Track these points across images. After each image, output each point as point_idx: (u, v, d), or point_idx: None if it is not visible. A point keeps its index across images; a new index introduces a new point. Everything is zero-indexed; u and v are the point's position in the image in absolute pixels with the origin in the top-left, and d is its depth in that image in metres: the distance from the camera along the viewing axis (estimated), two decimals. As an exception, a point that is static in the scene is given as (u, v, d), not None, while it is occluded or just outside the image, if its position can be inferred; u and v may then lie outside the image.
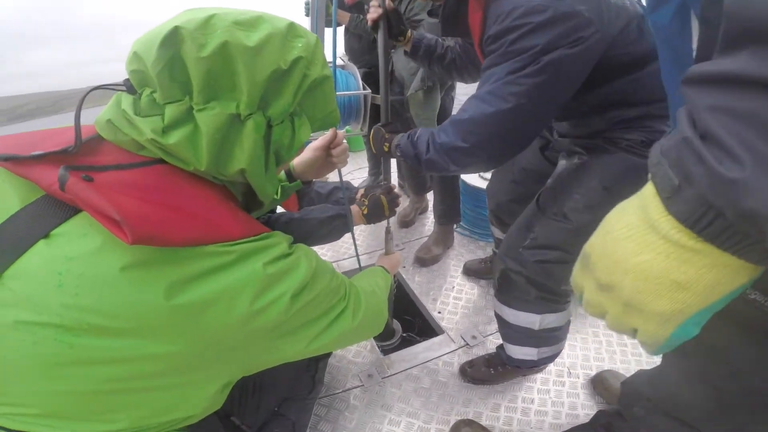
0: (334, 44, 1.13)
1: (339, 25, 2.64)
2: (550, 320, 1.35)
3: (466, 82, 1.76)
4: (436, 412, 1.50)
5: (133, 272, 0.56)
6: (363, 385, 1.60)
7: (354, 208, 1.48)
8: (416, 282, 2.25)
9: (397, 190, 3.19)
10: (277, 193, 1.25)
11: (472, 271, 2.20)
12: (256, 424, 1.07)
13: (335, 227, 1.47)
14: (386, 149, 1.43)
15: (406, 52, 1.77)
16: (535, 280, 1.24)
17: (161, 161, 0.66)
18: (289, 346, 0.75)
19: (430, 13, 1.44)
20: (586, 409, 1.50)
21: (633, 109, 1.15)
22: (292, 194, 1.33)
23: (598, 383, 1.57)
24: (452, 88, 2.21)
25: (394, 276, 2.28)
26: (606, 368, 1.67)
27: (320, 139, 1.24)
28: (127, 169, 0.63)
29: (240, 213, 0.72)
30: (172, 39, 0.60)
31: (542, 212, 1.25)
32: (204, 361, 0.63)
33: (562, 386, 1.60)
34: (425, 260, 2.36)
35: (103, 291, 0.55)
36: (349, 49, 2.70)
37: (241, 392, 1.02)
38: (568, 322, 1.45)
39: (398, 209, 2.80)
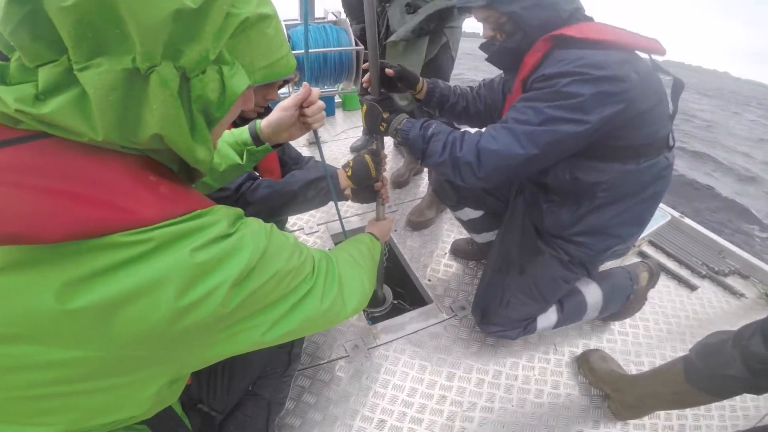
0: None
1: None
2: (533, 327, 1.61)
3: (471, 127, 1.74)
4: (420, 385, 1.54)
5: (11, 276, 0.49)
6: (348, 356, 1.63)
7: (339, 170, 1.44)
8: (407, 246, 2.25)
9: (391, 149, 3.17)
10: (242, 158, 1.17)
11: (460, 252, 2.20)
12: (228, 407, 1.06)
13: (321, 190, 1.44)
14: (382, 129, 1.43)
15: (408, 8, 1.72)
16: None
17: (45, 135, 0.54)
18: (239, 337, 0.65)
19: (483, 47, 1.47)
20: (567, 388, 1.55)
21: (606, 211, 1.37)
22: (262, 159, 1.23)
23: (583, 363, 1.61)
24: (448, 46, 2.09)
25: (387, 241, 2.29)
26: (592, 347, 1.71)
27: (291, 98, 1.11)
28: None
29: (163, 187, 0.60)
30: None
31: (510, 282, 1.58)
32: (132, 364, 0.56)
33: (547, 363, 1.65)
34: (417, 224, 2.35)
35: None
36: (346, 3, 2.53)
37: (210, 376, 0.99)
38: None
39: (393, 170, 2.78)
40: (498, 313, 1.57)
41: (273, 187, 1.44)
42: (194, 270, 0.55)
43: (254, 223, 0.69)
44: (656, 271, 1.78)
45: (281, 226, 2.27)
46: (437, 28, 1.97)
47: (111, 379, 0.56)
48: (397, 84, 1.54)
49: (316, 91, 1.11)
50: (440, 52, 2.06)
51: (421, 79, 1.64)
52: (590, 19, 1.31)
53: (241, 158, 1.17)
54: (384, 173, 1.48)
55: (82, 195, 0.51)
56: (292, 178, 1.48)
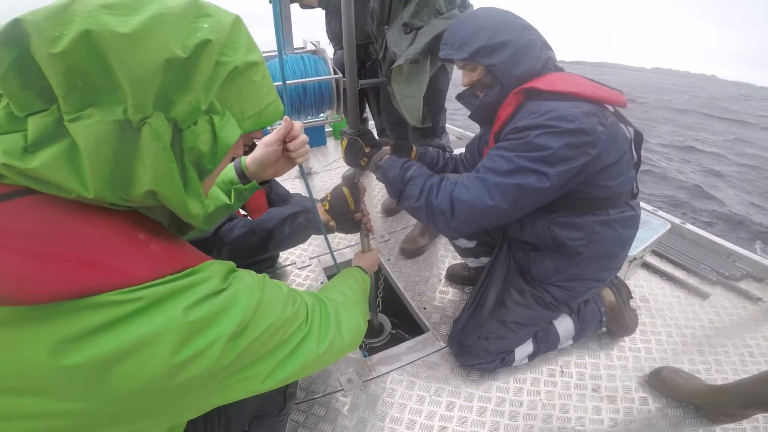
0: (278, 27, 0.99)
1: (309, 7, 2.52)
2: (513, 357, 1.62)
3: None
4: (419, 417, 1.46)
5: (2, 332, 0.48)
6: (343, 390, 1.56)
7: (318, 204, 1.42)
8: (402, 274, 2.20)
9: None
10: (230, 198, 1.16)
11: (455, 277, 2.15)
12: None
13: (298, 225, 1.41)
14: (363, 163, 1.47)
15: (405, 28, 1.79)
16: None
17: (30, 191, 0.53)
18: (237, 387, 0.65)
19: (459, 96, 1.58)
20: (578, 411, 1.46)
21: (582, 261, 1.43)
22: (249, 197, 1.21)
23: (658, 382, 1.54)
24: (445, 69, 2.08)
25: (380, 270, 2.24)
26: (603, 364, 1.64)
27: (273, 133, 1.10)
28: None
29: (153, 245, 0.59)
30: (12, 35, 0.48)
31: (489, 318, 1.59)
32: (128, 416, 0.55)
33: (554, 386, 1.56)
34: (411, 251, 2.30)
35: None
36: (330, 31, 2.57)
37: (206, 420, 0.96)
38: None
39: (384, 198, 2.76)
40: (477, 345, 1.57)
41: (248, 226, 1.42)
42: (188, 328, 0.54)
43: (247, 277, 0.68)
44: (615, 281, 1.78)
45: (272, 262, 2.24)
46: (435, 50, 1.97)
47: (110, 429, 0.55)
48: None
49: (298, 124, 1.10)
50: (438, 74, 2.05)
51: (413, 147, 1.74)
52: (561, 69, 1.39)
53: (229, 198, 1.16)
54: (363, 204, 1.46)
55: (68, 256, 0.50)
56: (269, 215, 1.47)
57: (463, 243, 1.89)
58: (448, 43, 1.39)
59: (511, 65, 1.30)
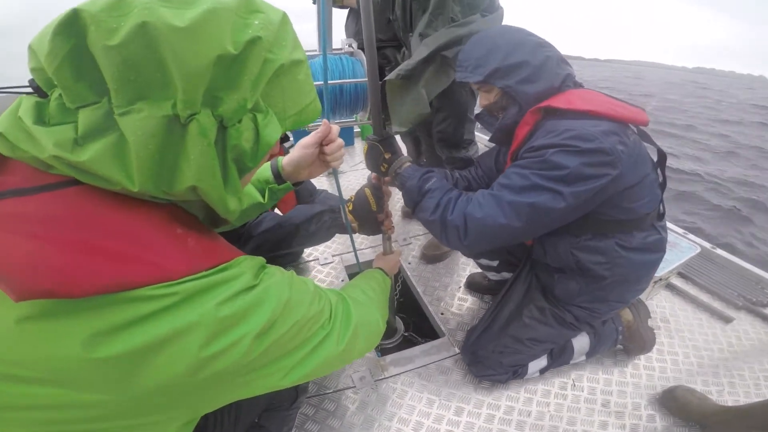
0: (323, 28, 1.04)
1: (345, 6, 2.59)
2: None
3: None
4: (427, 420, 1.51)
5: (34, 325, 0.49)
6: (355, 387, 1.62)
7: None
8: (421, 278, 2.25)
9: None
10: (264, 197, 1.19)
11: (475, 286, 2.18)
12: None
13: (323, 224, 1.47)
14: (383, 169, 1.47)
15: (420, 38, 1.78)
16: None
17: (76, 182, 0.54)
18: (258, 383, 0.66)
19: (478, 117, 1.61)
20: (585, 425, 1.48)
21: (603, 283, 1.41)
22: (282, 197, 1.24)
23: (670, 401, 1.55)
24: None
25: (399, 273, 2.29)
26: (616, 380, 1.66)
27: (311, 135, 1.12)
28: (30, 194, 0.52)
29: (190, 240, 0.61)
30: (70, 26, 0.49)
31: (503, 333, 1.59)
32: (152, 408, 0.56)
33: (564, 399, 1.58)
34: (432, 257, 2.35)
35: (3, 344, 0.49)
36: (356, 33, 2.64)
37: (217, 411, 1.00)
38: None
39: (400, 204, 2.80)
40: (490, 358, 1.59)
41: (276, 220, 1.49)
42: (219, 323, 0.56)
43: (277, 273, 0.69)
44: (634, 301, 1.76)
45: (295, 257, 2.32)
46: (445, 59, 1.90)
47: (129, 420, 0.56)
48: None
49: (335, 128, 1.12)
50: (458, 85, 1.96)
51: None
52: (580, 86, 1.38)
53: (263, 196, 1.19)
54: (387, 206, 1.51)
55: (112, 250, 0.52)
56: (296, 211, 1.54)
57: (485, 262, 1.91)
58: (462, 65, 1.40)
59: (528, 85, 1.29)
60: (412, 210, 1.44)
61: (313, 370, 0.74)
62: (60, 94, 0.52)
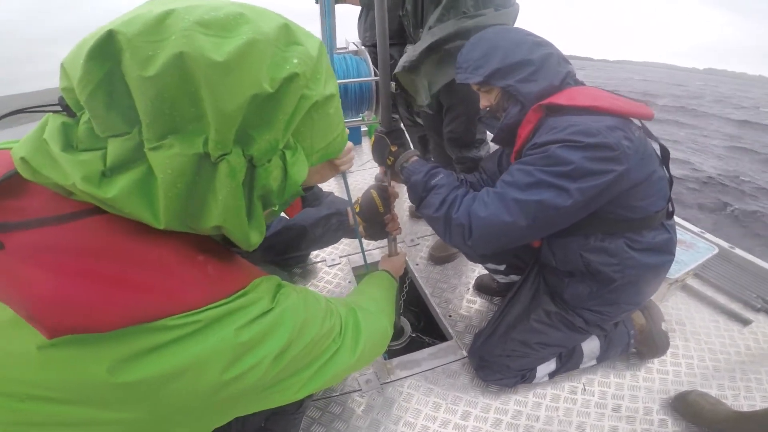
0: (328, 28, 1.04)
1: (346, 2, 2.59)
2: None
3: None
4: (433, 424, 1.50)
5: (58, 352, 0.49)
6: (361, 390, 1.62)
7: (348, 208, 1.48)
8: (429, 280, 2.25)
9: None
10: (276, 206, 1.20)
11: (484, 288, 2.17)
12: None
13: (330, 227, 1.48)
14: (389, 162, 1.48)
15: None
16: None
17: (98, 210, 0.53)
18: (272, 398, 0.68)
19: (480, 119, 1.59)
20: (595, 430, 1.46)
21: (612, 285, 1.39)
22: (291, 203, 1.26)
23: (684, 406, 1.52)
24: None
25: (407, 274, 2.29)
26: (628, 384, 1.64)
27: None
28: (54, 224, 0.52)
29: (210, 267, 0.60)
30: (105, 49, 0.47)
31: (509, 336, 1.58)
32: (174, 423, 0.57)
33: (573, 404, 1.57)
34: (440, 258, 2.35)
35: (27, 368, 0.49)
36: (364, 30, 2.64)
37: None
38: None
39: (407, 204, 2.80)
40: (497, 362, 1.58)
41: (282, 223, 1.50)
42: (239, 348, 0.57)
43: (292, 295, 0.70)
44: (647, 303, 1.75)
45: (303, 258, 2.33)
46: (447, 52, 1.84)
47: None
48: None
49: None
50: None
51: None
52: (581, 84, 1.37)
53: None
54: (393, 208, 1.51)
55: (138, 282, 0.52)
56: (304, 214, 1.54)
57: (491, 266, 1.90)
58: (462, 67, 1.40)
59: (529, 84, 1.29)
60: (417, 206, 1.43)
61: (326, 382, 0.76)
62: (89, 118, 0.50)
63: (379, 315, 1.05)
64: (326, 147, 0.68)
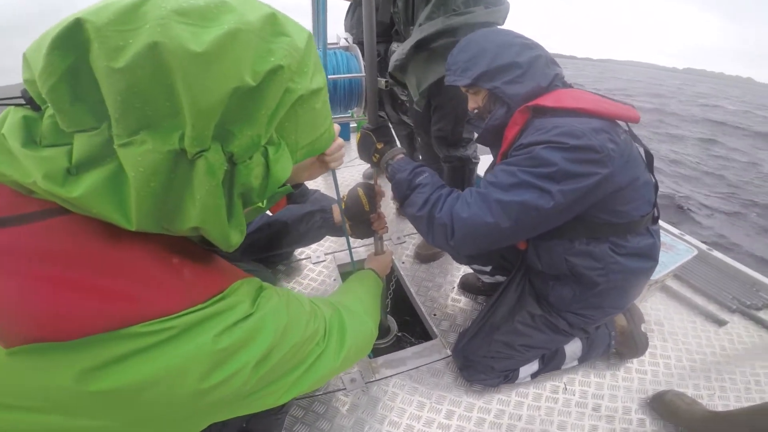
0: (320, 22, 1.02)
1: None
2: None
3: None
4: (417, 423, 1.53)
5: (25, 358, 0.46)
6: (345, 389, 1.64)
7: (334, 206, 1.49)
8: (415, 278, 2.27)
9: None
10: (263, 203, 1.18)
11: (468, 287, 2.20)
12: None
13: (314, 224, 1.48)
14: (375, 160, 1.47)
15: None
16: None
17: (63, 210, 0.50)
18: (254, 404, 0.66)
19: (469, 121, 1.57)
20: (575, 429, 1.50)
21: (595, 290, 1.41)
22: (279, 200, 1.24)
23: (661, 406, 1.57)
24: None
25: (393, 273, 2.31)
26: (608, 384, 1.68)
27: None
28: (14, 224, 0.48)
29: (186, 270, 0.57)
30: (71, 39, 0.43)
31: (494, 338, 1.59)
32: (150, 429, 0.55)
33: (555, 403, 1.60)
34: (426, 257, 2.37)
35: None
36: (350, 27, 2.64)
37: None
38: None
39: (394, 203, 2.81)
40: (481, 362, 1.60)
41: (264, 219, 1.50)
42: (217, 354, 0.54)
43: (274, 297, 0.67)
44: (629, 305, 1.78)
45: (287, 255, 2.33)
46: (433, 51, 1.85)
47: None
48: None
49: (336, 128, 1.09)
50: None
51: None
52: (569, 86, 1.38)
53: (263, 203, 1.18)
54: (380, 207, 1.51)
55: (106, 288, 0.49)
56: (287, 211, 1.54)
57: (477, 267, 1.92)
58: (451, 69, 1.41)
59: (515, 85, 1.29)
60: (400, 203, 1.43)
61: (310, 386, 0.75)
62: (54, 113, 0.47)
63: (364, 316, 1.03)
64: (312, 143, 0.66)
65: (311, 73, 0.59)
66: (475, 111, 1.47)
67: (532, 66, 1.30)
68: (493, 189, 1.23)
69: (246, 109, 0.50)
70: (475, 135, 1.99)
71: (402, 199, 1.41)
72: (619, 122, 1.29)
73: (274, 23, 0.53)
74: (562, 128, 1.16)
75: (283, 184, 1.16)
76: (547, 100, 1.26)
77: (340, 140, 1.10)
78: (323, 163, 1.13)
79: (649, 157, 1.38)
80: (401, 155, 1.47)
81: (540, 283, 1.56)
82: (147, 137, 0.46)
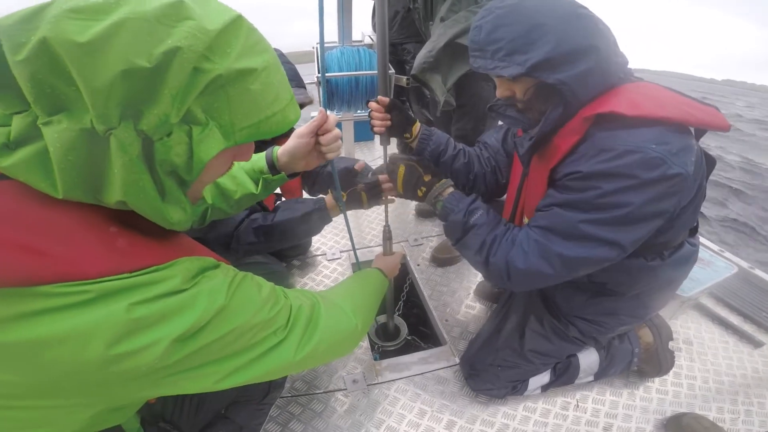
0: (321, 20, 1.01)
1: None
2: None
3: (478, 193, 1.41)
4: (416, 431, 1.50)
5: None
6: (346, 389, 1.63)
7: (329, 200, 1.49)
8: (429, 282, 2.24)
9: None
10: (256, 188, 1.20)
11: (484, 294, 2.13)
12: (195, 427, 1.09)
13: (314, 222, 1.49)
14: (420, 194, 1.38)
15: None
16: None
17: (5, 176, 0.57)
18: (185, 383, 0.67)
19: (492, 108, 1.34)
20: (583, 449, 1.44)
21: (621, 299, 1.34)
22: (276, 188, 1.27)
23: (677, 429, 1.49)
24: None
25: (408, 274, 2.29)
26: (623, 403, 1.60)
27: (307, 125, 1.10)
28: None
29: (121, 239, 0.61)
30: None
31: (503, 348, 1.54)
32: (62, 392, 0.58)
33: (564, 420, 1.54)
34: (443, 260, 2.33)
35: None
36: (375, 25, 2.65)
37: (177, 395, 1.02)
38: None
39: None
40: (488, 371, 1.55)
41: (268, 221, 1.50)
42: (128, 324, 0.56)
43: (218, 277, 0.69)
44: (657, 321, 1.68)
45: (303, 250, 2.36)
46: (459, 47, 1.80)
47: (42, 401, 0.59)
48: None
49: (332, 118, 1.10)
50: (478, 78, 1.89)
51: (417, 122, 1.52)
52: (630, 74, 1.14)
53: (257, 187, 1.20)
54: (390, 195, 1.50)
55: (27, 245, 0.53)
56: (287, 212, 1.55)
57: None
58: (485, 49, 1.06)
59: (584, 82, 1.02)
60: (453, 244, 1.33)
61: (258, 376, 0.75)
62: None
63: (349, 313, 1.01)
64: (257, 124, 0.66)
65: (235, 54, 0.61)
66: (505, 101, 1.23)
67: (610, 54, 1.05)
68: (554, 239, 1.10)
69: (146, 90, 0.54)
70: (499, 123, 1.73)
71: (456, 240, 1.31)
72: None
73: (176, 10, 0.56)
74: (635, 155, 0.96)
75: (278, 172, 1.19)
76: (620, 104, 1.00)
77: (336, 131, 1.13)
78: (320, 154, 1.16)
79: (711, 164, 1.17)
80: (450, 188, 1.35)
81: (550, 288, 1.48)
82: (63, 118, 0.53)
